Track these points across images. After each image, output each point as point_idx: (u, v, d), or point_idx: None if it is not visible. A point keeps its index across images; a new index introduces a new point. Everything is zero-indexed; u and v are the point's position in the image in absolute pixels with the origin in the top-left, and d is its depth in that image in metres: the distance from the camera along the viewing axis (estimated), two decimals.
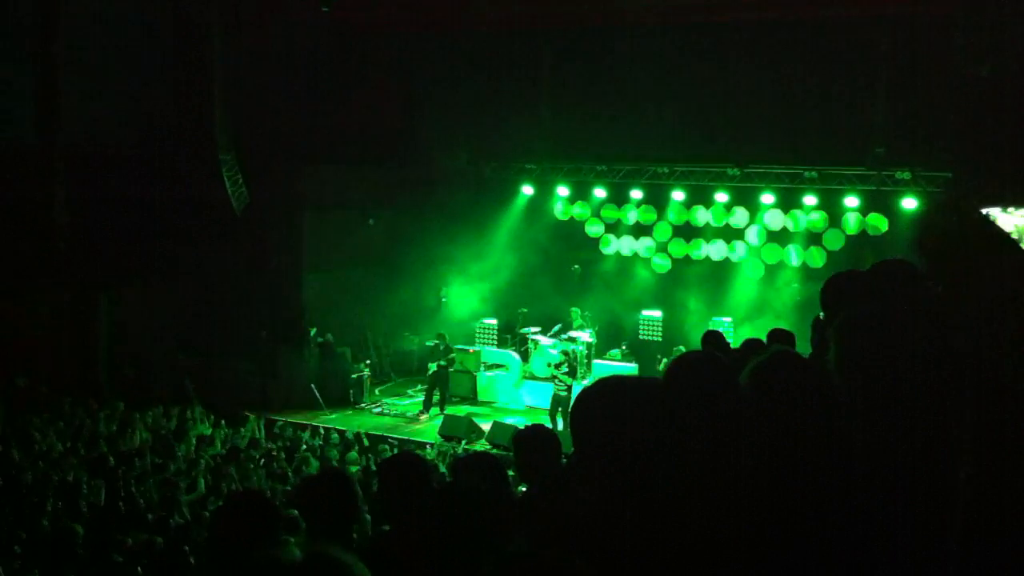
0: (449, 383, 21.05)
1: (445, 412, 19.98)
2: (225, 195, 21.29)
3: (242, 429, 17.64)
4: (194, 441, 15.95)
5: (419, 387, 21.97)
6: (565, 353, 19.37)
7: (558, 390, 18.79)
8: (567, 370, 18.82)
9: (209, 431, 16.90)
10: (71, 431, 16.44)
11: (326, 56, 22.97)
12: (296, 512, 9.87)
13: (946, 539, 2.46)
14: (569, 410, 18.29)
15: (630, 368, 20.55)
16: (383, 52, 23.72)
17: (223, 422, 17.66)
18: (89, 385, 19.82)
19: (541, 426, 8.32)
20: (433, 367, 20.69)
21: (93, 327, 21.19)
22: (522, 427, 7.01)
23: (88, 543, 9.82)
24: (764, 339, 7.39)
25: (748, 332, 17.33)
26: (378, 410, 21.05)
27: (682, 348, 20.34)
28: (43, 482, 12.61)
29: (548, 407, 19.18)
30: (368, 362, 22.44)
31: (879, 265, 4.42)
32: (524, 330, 22.58)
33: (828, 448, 2.50)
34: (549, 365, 19.43)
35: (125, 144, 20.94)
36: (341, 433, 17.91)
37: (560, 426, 17.76)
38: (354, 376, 21.55)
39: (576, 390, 18.56)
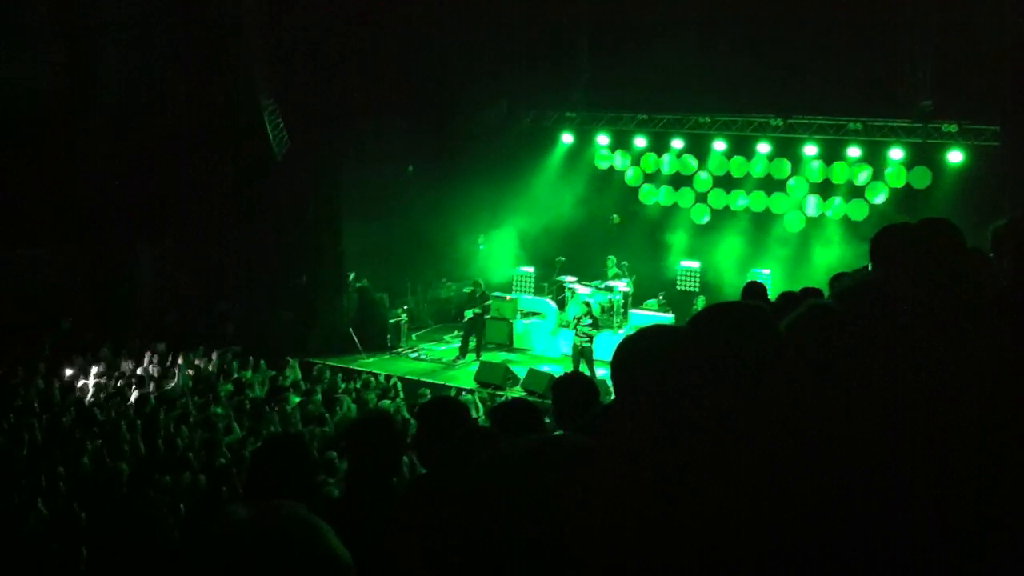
0: (485, 330, 21.14)
1: (481, 359, 20.08)
2: (267, 143, 21.35)
3: (282, 373, 17.83)
4: (234, 383, 16.15)
5: (456, 333, 22.08)
6: (586, 304, 19.33)
7: (581, 341, 18.78)
8: (589, 322, 18.80)
9: (249, 374, 17.10)
10: (112, 373, 16.71)
11: (366, 7, 22.83)
12: (334, 455, 10.04)
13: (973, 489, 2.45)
14: (595, 358, 18.47)
15: (667, 318, 20.51)
16: (424, 2, 23.54)
17: (263, 365, 17.86)
18: (132, 330, 20.09)
19: (579, 373, 8.35)
20: (469, 314, 20.76)
21: (136, 274, 21.44)
22: (559, 374, 7.05)
23: (130, 482, 10.01)
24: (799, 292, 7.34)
25: (787, 285, 17.22)
26: (415, 355, 21.20)
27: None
28: (85, 423, 12.84)
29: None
30: (406, 307, 22.57)
31: (926, 222, 4.38)
32: (561, 278, 22.59)
33: (861, 398, 2.50)
34: (574, 317, 19.41)
35: (167, 95, 21.01)
36: (377, 377, 18.08)
37: None
38: (392, 321, 21.69)
39: (598, 340, 18.71)
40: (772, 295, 9.93)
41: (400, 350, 21.42)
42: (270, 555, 1.69)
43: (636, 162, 23.52)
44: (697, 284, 22.20)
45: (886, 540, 2.21)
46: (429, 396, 15.41)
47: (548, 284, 23.13)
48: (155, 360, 17.62)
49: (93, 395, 15.25)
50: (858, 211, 20.90)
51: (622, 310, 21.49)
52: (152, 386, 15.79)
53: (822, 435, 2.39)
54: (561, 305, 22.15)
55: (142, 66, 21.13)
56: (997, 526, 2.36)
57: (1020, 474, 2.46)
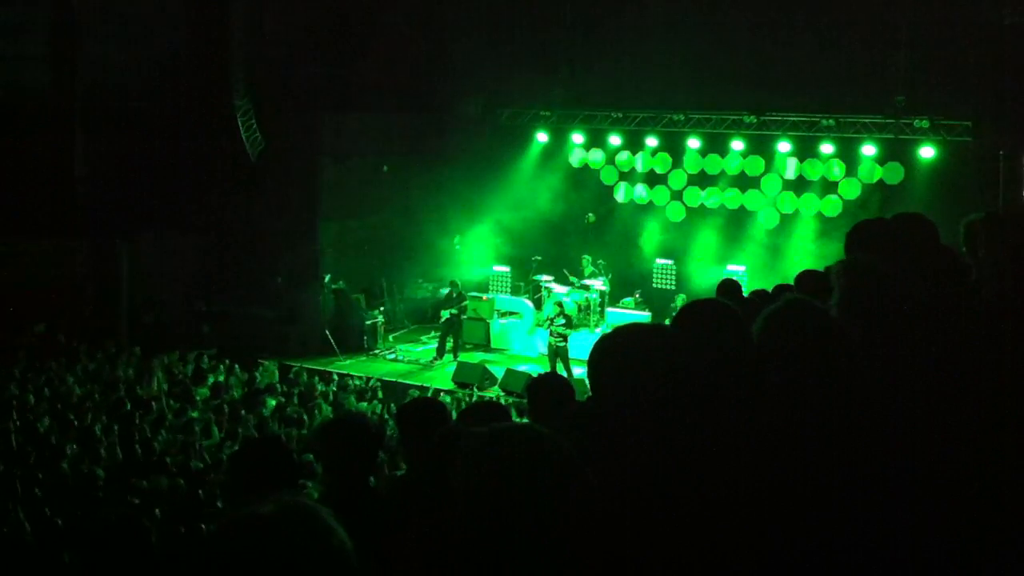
0: (462, 330, 21.12)
1: (458, 359, 20.06)
2: (241, 142, 21.26)
3: (258, 375, 17.76)
4: (211, 387, 16.06)
5: (432, 334, 22.05)
6: (559, 304, 19.38)
7: (556, 341, 18.83)
8: (563, 322, 18.86)
9: (224, 377, 17.01)
10: (89, 377, 16.57)
11: (345, 5, 22.77)
12: (311, 457, 10.00)
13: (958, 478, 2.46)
14: (571, 357, 18.55)
15: (643, 316, 20.54)
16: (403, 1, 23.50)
17: (239, 368, 17.77)
18: (107, 332, 19.94)
19: (555, 373, 8.35)
20: (446, 314, 20.74)
21: (112, 275, 21.28)
22: (536, 374, 7.06)
23: (106, 486, 9.94)
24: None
25: (761, 281, 17.29)
26: (392, 356, 21.16)
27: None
28: (62, 427, 12.73)
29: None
30: (382, 308, 22.52)
31: (900, 218, 4.43)
32: (537, 278, 22.57)
33: (838, 390, 2.50)
34: (547, 318, 19.46)
35: (141, 92, 20.90)
36: (354, 379, 18.03)
37: None
38: (368, 322, 21.64)
39: (575, 339, 18.85)
40: (746, 292, 9.96)
41: (377, 351, 21.37)
42: (294, 547, 1.71)
43: (611, 160, 23.53)
44: (673, 281, 22.23)
45: (886, 540, 2.22)
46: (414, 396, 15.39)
47: (524, 284, 23.11)
48: (132, 363, 17.51)
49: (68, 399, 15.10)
50: (831, 207, 21.00)
51: (599, 309, 21.51)
52: (128, 390, 15.66)
53: (821, 433, 2.40)
54: (538, 304, 22.15)
55: (122, 61, 21.03)
56: (997, 526, 2.37)
57: (1020, 474, 2.47)
